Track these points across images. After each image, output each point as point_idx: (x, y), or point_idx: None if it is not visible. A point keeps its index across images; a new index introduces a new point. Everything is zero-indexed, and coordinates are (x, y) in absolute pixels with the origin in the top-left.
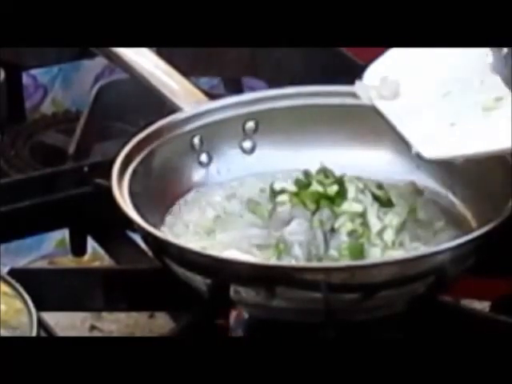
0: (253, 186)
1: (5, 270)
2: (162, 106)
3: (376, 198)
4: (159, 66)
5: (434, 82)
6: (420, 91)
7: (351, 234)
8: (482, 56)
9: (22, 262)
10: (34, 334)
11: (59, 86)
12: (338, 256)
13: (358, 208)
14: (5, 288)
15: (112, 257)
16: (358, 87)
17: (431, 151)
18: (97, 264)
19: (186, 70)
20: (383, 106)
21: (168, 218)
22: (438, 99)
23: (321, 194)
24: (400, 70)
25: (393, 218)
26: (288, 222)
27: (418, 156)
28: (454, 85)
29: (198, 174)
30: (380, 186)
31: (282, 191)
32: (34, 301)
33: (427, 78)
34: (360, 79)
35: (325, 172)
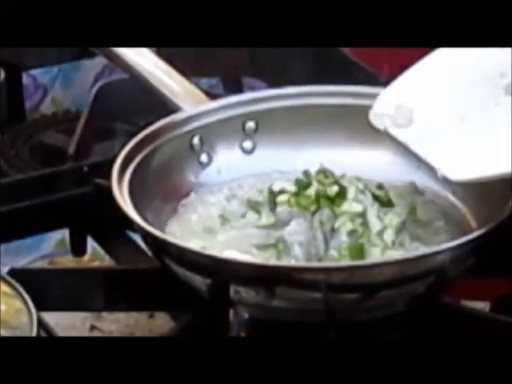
0: (253, 186)
1: (5, 270)
2: (162, 106)
3: (376, 198)
4: (159, 66)
5: (448, 106)
6: (434, 116)
7: (351, 234)
8: (495, 78)
9: (22, 262)
10: (34, 334)
11: (59, 86)
12: (337, 256)
13: (358, 208)
14: (5, 288)
15: (112, 257)
16: (372, 117)
17: (458, 174)
18: (97, 264)
19: (186, 70)
20: (399, 134)
21: (168, 218)
22: (454, 123)
23: (321, 194)
24: (411, 96)
25: (393, 218)
26: (288, 222)
27: (445, 179)
28: (469, 108)
29: (198, 174)
30: (380, 186)
31: (282, 191)
32: (34, 301)
33: (440, 103)
34: (360, 80)
35: (325, 172)
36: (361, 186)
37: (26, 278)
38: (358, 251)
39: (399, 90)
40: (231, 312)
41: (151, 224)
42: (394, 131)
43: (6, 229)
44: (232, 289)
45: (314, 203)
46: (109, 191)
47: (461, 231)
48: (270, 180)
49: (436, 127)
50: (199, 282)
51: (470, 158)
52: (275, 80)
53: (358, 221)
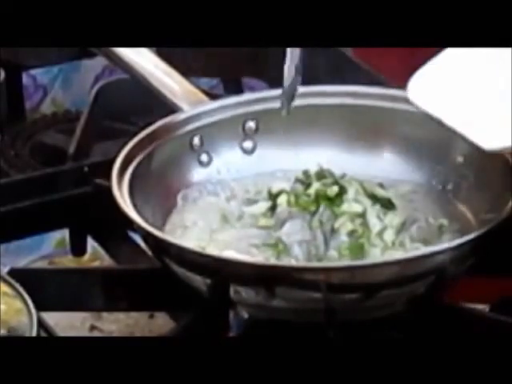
0: (253, 186)
1: (5, 270)
2: (162, 106)
3: (376, 198)
4: (159, 66)
5: (480, 83)
6: (469, 92)
7: (351, 234)
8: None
9: (22, 262)
10: (34, 334)
11: (59, 86)
12: (337, 256)
13: (357, 208)
14: (5, 288)
15: (112, 257)
16: (410, 94)
17: (491, 143)
18: (97, 264)
19: (186, 70)
20: (434, 111)
21: (168, 218)
22: (488, 98)
23: (321, 195)
24: (447, 74)
25: (393, 218)
26: (287, 223)
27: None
28: (498, 84)
29: (198, 174)
30: (380, 186)
31: (282, 192)
32: (34, 301)
33: (473, 80)
34: (360, 80)
35: (325, 172)
36: (361, 186)
37: (26, 278)
38: (358, 251)
39: (435, 69)
40: (231, 312)
41: (151, 224)
42: (429, 109)
43: (6, 229)
44: (232, 289)
45: (314, 203)
46: (109, 191)
47: (461, 231)
48: (270, 180)
49: (470, 102)
50: (199, 282)
51: (504, 129)
52: (275, 80)
53: (358, 221)
